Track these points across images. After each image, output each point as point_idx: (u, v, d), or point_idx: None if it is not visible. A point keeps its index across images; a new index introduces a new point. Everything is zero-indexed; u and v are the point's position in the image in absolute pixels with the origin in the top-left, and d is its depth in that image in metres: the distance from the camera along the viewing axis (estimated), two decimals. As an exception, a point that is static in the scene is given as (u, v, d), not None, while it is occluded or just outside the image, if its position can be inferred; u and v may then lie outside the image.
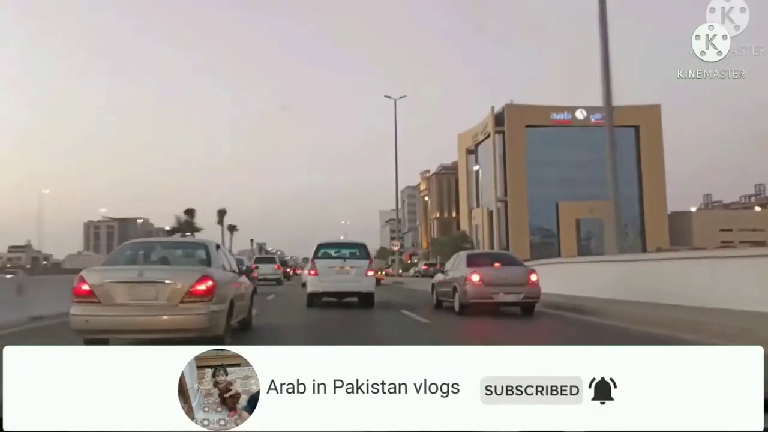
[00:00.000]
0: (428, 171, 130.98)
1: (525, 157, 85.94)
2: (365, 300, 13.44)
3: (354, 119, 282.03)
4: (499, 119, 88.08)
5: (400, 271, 65.20)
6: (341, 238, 44.59)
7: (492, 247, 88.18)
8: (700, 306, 10.44)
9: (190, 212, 55.65)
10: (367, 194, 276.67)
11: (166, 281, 6.27)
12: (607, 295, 13.81)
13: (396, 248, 34.60)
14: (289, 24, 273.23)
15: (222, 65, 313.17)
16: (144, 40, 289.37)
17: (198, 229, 60.32)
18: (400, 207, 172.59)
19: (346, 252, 13.79)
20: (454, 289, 11.95)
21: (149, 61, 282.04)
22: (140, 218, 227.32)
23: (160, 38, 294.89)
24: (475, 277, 11.35)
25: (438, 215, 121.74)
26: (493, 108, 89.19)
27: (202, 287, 6.20)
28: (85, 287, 6.16)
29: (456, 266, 12.72)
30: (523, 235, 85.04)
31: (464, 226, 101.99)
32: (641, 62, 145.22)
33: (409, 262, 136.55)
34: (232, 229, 56.66)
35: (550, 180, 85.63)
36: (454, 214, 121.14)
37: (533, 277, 11.56)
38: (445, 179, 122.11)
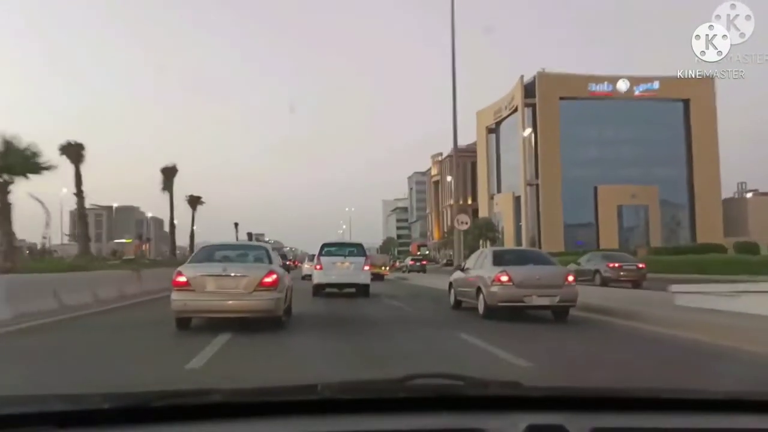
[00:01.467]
0: (440, 154, 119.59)
1: (559, 134, 74.73)
2: (361, 290, 16.33)
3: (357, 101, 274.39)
4: (529, 90, 76.75)
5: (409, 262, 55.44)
6: (343, 227, 55.13)
7: (519, 238, 77.19)
8: None
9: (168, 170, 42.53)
10: (370, 185, 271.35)
11: (244, 275, 8.40)
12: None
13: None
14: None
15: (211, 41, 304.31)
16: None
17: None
18: (405, 196, 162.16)
19: (346, 250, 16.95)
20: (478, 289, 10.81)
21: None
22: (131, 206, 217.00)
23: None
24: (504, 277, 10.25)
25: (452, 202, 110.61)
26: (522, 78, 77.82)
27: (269, 279, 8.37)
28: (182, 279, 8.30)
29: (480, 264, 11.63)
30: (556, 223, 73.97)
31: (484, 213, 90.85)
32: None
33: (418, 253, 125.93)
34: (195, 201, 43.27)
35: (588, 160, 74.57)
36: (470, 201, 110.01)
37: (570, 278, 10.60)
38: (460, 162, 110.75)
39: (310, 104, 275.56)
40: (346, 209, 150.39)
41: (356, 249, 17.20)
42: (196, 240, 46.42)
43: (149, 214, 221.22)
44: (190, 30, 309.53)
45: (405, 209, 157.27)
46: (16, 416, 1.24)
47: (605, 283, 21.31)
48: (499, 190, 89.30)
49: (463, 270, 12.55)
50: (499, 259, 11.23)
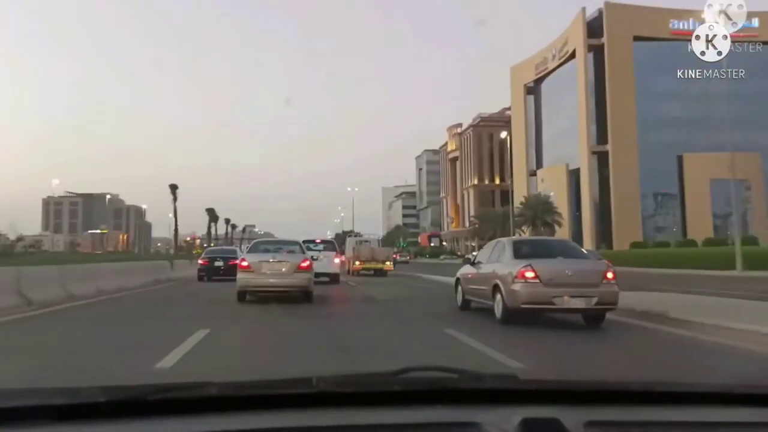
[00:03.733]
0: (459, 125, 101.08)
1: (634, 85, 56.57)
2: (332, 279, 19.41)
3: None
4: (592, 30, 58.53)
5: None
6: (341, 215, 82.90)
7: (577, 224, 59.16)
8: None
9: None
10: (367, 176, 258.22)
11: (287, 261, 11.74)
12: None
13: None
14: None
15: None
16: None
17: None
18: (406, 182, 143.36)
19: (320, 246, 20.89)
20: (495, 288, 8.85)
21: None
22: (108, 194, 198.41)
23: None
24: (529, 273, 8.27)
25: (476, 182, 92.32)
26: (584, 11, 59.44)
27: (305, 264, 11.73)
28: (246, 263, 11.65)
29: (496, 256, 9.55)
30: (632, 200, 55.81)
31: (521, 194, 72.95)
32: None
33: (431, 245, 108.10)
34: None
35: (671, 120, 56.62)
36: (498, 180, 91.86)
37: (609, 275, 8.52)
38: (485, 133, 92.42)
39: (304, 97, 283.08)
40: (348, 189, 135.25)
41: (328, 245, 21.64)
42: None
43: (129, 203, 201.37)
44: (191, 24, 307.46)
45: (412, 194, 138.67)
46: (11, 409, 1.24)
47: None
48: (539, 165, 71.21)
49: (473, 264, 10.45)
50: (521, 250, 9.12)
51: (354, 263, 26.37)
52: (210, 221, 72.41)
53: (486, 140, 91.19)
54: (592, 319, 8.51)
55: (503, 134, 58.02)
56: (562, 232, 55.40)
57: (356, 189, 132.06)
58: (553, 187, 64.20)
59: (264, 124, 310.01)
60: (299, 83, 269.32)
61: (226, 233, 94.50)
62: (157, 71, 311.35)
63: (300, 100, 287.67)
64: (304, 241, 16.16)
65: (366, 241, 29.58)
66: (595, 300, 8.12)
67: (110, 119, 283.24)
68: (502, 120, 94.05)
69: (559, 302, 8.12)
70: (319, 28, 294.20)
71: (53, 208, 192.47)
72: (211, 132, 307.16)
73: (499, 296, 8.65)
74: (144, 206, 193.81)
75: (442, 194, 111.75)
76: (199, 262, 22.57)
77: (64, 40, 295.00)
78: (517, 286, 8.24)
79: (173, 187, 53.23)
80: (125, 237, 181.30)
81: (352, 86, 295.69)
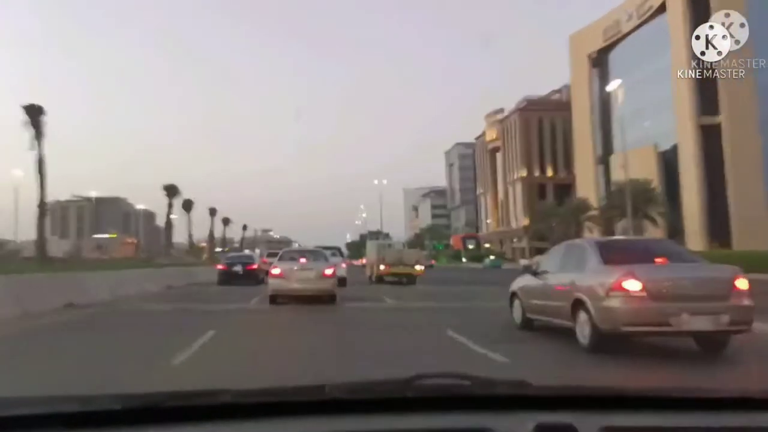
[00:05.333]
0: (500, 111, 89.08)
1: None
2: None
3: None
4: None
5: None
6: (363, 215, 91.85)
7: (674, 219, 47.22)
8: None
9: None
10: (388, 175, 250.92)
11: (314, 268, 12.97)
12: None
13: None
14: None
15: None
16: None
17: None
18: (428, 185, 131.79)
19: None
20: (576, 305, 6.86)
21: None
22: (115, 197, 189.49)
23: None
24: (632, 283, 6.22)
25: (524, 174, 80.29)
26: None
27: (329, 271, 12.99)
28: (277, 271, 12.96)
29: (573, 264, 7.47)
30: (755, 186, 43.70)
31: (585, 189, 60.99)
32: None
33: (470, 247, 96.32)
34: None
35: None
36: (550, 172, 79.95)
37: (740, 283, 6.38)
38: (534, 118, 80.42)
39: (322, 102, 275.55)
40: (376, 182, 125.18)
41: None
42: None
43: (139, 206, 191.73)
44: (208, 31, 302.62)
45: (442, 193, 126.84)
46: (23, 417, 1.25)
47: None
48: (607, 150, 59.30)
49: (536, 274, 8.49)
50: (610, 254, 6.99)
51: (378, 268, 23.62)
52: (211, 224, 74.89)
53: (534, 126, 79.27)
54: (714, 345, 6.58)
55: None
56: (654, 231, 43.65)
57: (384, 181, 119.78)
58: (637, 174, 52.14)
59: (280, 129, 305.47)
60: (313, 88, 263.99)
61: (242, 240, 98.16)
62: (172, 76, 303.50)
63: (315, 103, 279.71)
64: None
65: (389, 245, 27.29)
66: (725, 318, 6.15)
67: (123, 125, 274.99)
68: (551, 104, 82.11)
69: (676, 322, 6.07)
70: (340, 22, 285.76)
71: (59, 212, 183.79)
72: (226, 137, 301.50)
73: (583, 316, 6.70)
74: (155, 211, 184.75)
75: (480, 190, 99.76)
76: (219, 267, 23.21)
77: (74, 42, 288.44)
78: (613, 302, 6.30)
79: (188, 203, 60.75)
80: (132, 240, 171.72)
81: (370, 87, 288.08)
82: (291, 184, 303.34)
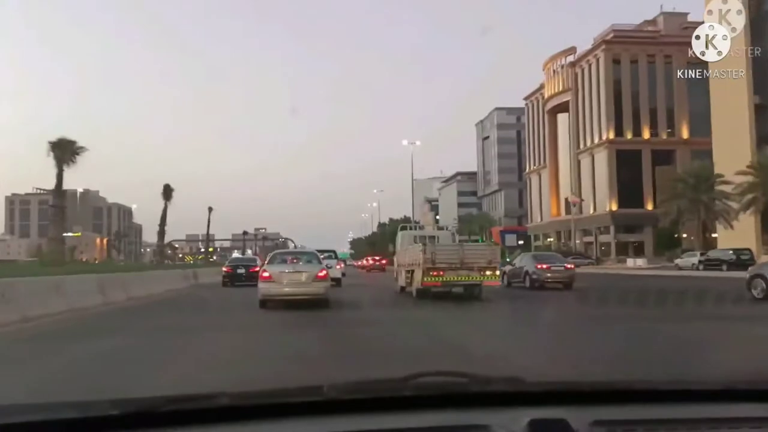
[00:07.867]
0: (571, 51, 66.58)
1: None
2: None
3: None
4: None
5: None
6: (374, 204, 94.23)
7: None
8: None
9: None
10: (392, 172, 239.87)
11: (305, 271, 12.88)
12: None
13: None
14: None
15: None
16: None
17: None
18: (442, 174, 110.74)
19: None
20: None
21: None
22: (86, 190, 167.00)
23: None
24: None
25: (611, 136, 58.68)
26: None
27: (321, 274, 12.87)
28: (267, 274, 12.75)
29: None
30: None
31: (728, 154, 40.36)
32: None
33: (519, 242, 75.24)
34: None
35: None
36: (646, 134, 58.70)
37: None
38: (625, 56, 58.86)
39: (320, 99, 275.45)
40: (405, 142, 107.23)
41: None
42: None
43: (111, 200, 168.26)
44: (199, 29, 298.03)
45: (471, 175, 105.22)
46: (21, 425, 1.26)
47: (533, 285, 19.78)
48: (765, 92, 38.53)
49: None
50: None
51: (422, 272, 14.91)
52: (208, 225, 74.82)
53: (627, 68, 57.84)
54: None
55: None
56: None
57: (417, 142, 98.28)
58: None
59: (275, 128, 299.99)
60: (306, 87, 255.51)
61: (243, 243, 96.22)
62: (172, 76, 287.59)
63: (312, 101, 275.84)
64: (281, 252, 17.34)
65: (432, 237, 19.41)
66: None
67: (113, 126, 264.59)
68: (647, 35, 60.65)
69: None
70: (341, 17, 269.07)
71: (18, 207, 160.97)
72: (224, 138, 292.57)
73: None
74: (133, 206, 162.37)
75: (533, 166, 77.72)
76: (224, 269, 25.93)
77: (65, 47, 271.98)
78: None
79: (168, 189, 60.34)
80: (103, 241, 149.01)
81: (367, 85, 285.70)
82: (286, 184, 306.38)
